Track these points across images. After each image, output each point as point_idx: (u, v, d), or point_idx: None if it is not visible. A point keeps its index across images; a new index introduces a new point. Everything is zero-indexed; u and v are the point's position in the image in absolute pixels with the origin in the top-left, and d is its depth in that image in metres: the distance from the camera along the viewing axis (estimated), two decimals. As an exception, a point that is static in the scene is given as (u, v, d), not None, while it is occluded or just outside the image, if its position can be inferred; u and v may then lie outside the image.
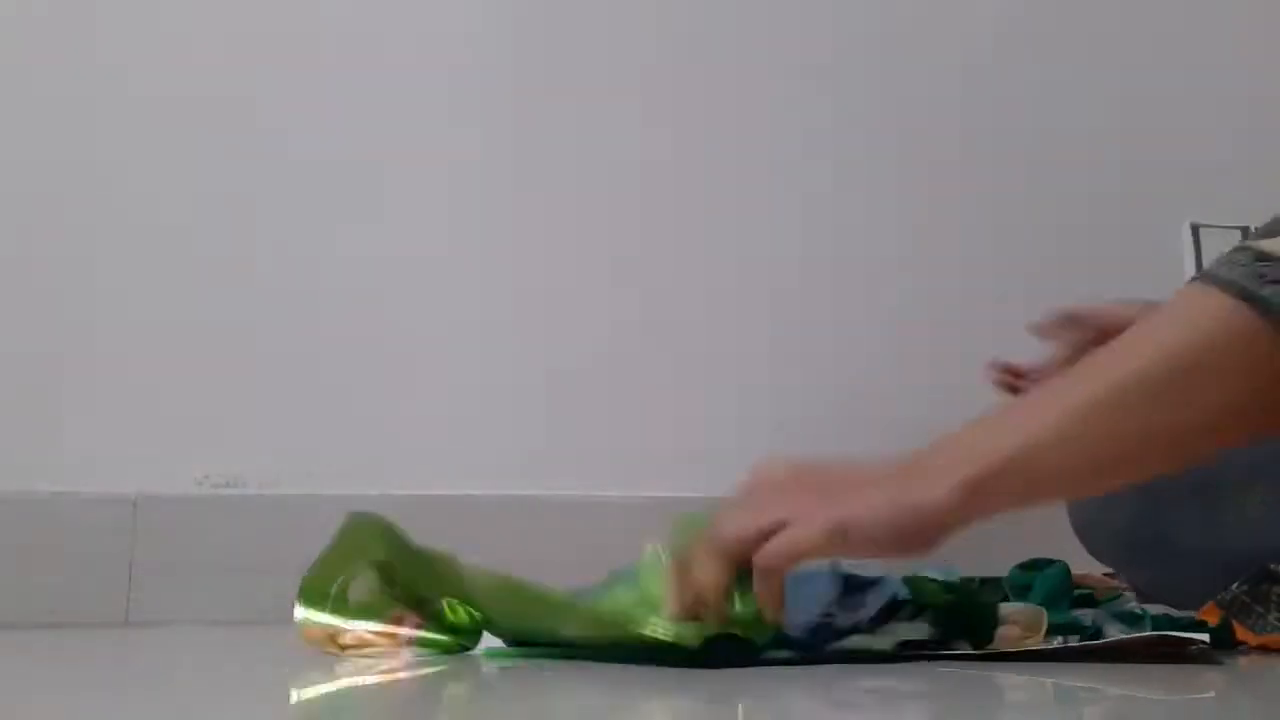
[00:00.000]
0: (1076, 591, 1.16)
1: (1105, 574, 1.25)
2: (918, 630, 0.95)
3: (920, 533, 0.83)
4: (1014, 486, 0.82)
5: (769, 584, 0.85)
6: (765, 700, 0.76)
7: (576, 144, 1.59)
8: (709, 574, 0.86)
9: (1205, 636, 0.92)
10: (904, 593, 0.96)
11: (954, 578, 1.00)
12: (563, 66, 1.60)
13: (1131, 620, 0.98)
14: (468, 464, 1.48)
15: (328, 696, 0.86)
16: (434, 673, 0.93)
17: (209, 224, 1.45)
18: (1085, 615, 1.00)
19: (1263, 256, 0.79)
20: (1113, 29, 1.83)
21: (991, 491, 0.82)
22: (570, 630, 0.94)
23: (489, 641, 1.06)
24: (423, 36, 1.55)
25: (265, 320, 1.46)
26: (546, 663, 1.00)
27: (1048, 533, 1.34)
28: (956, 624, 0.96)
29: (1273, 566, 0.99)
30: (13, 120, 1.41)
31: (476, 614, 0.97)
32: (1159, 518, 1.17)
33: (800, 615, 0.93)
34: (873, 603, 0.96)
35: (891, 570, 0.98)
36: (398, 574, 0.98)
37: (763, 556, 0.84)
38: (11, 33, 1.43)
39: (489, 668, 0.96)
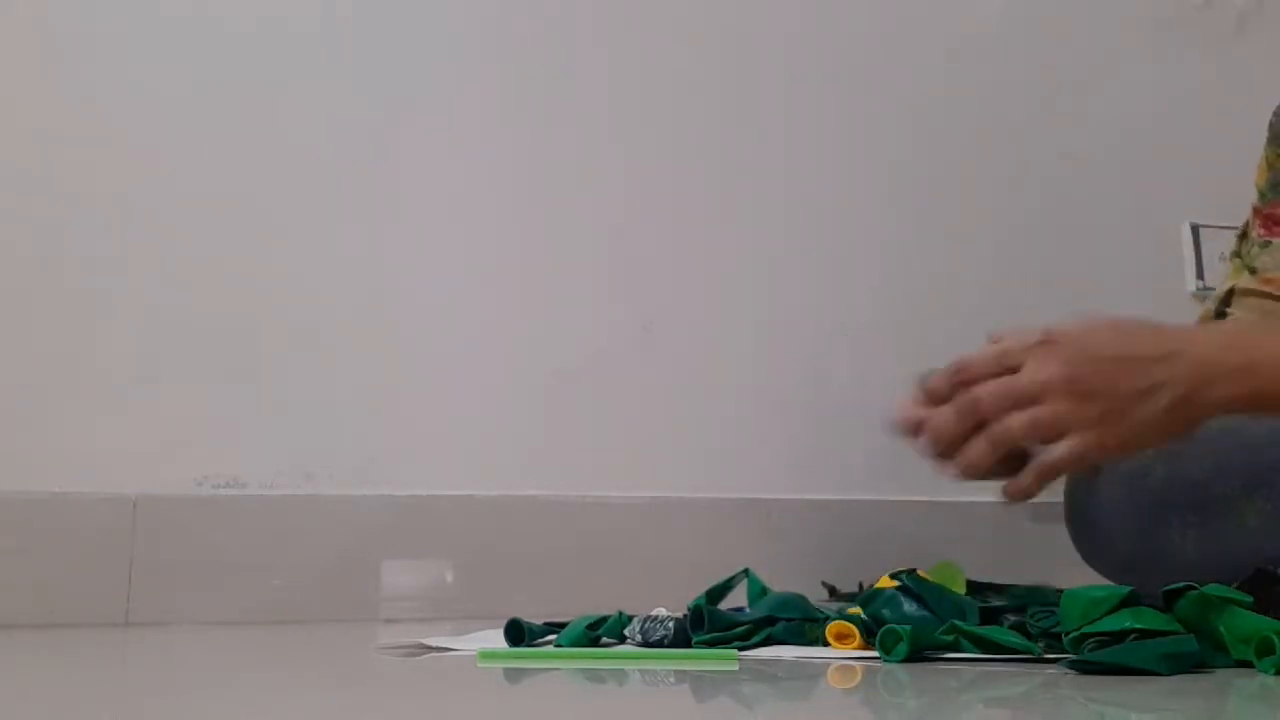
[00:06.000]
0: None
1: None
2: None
3: (1187, 434, 0.99)
4: None
5: (1045, 480, 1.01)
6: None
7: (576, 144, 1.58)
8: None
9: None
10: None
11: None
12: (563, 69, 1.60)
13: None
14: (468, 464, 1.48)
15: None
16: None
17: (209, 224, 1.45)
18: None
19: None
20: (1113, 28, 1.83)
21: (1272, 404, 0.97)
22: None
23: (488, 642, 1.06)
24: (426, 37, 1.55)
25: (265, 320, 1.45)
26: (544, 663, 1.00)
27: (1048, 548, 1.35)
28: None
29: (1271, 569, 0.99)
30: (12, 120, 1.41)
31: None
32: (1157, 531, 1.17)
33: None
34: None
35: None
36: None
37: (1053, 460, 0.99)
38: (13, 35, 1.43)
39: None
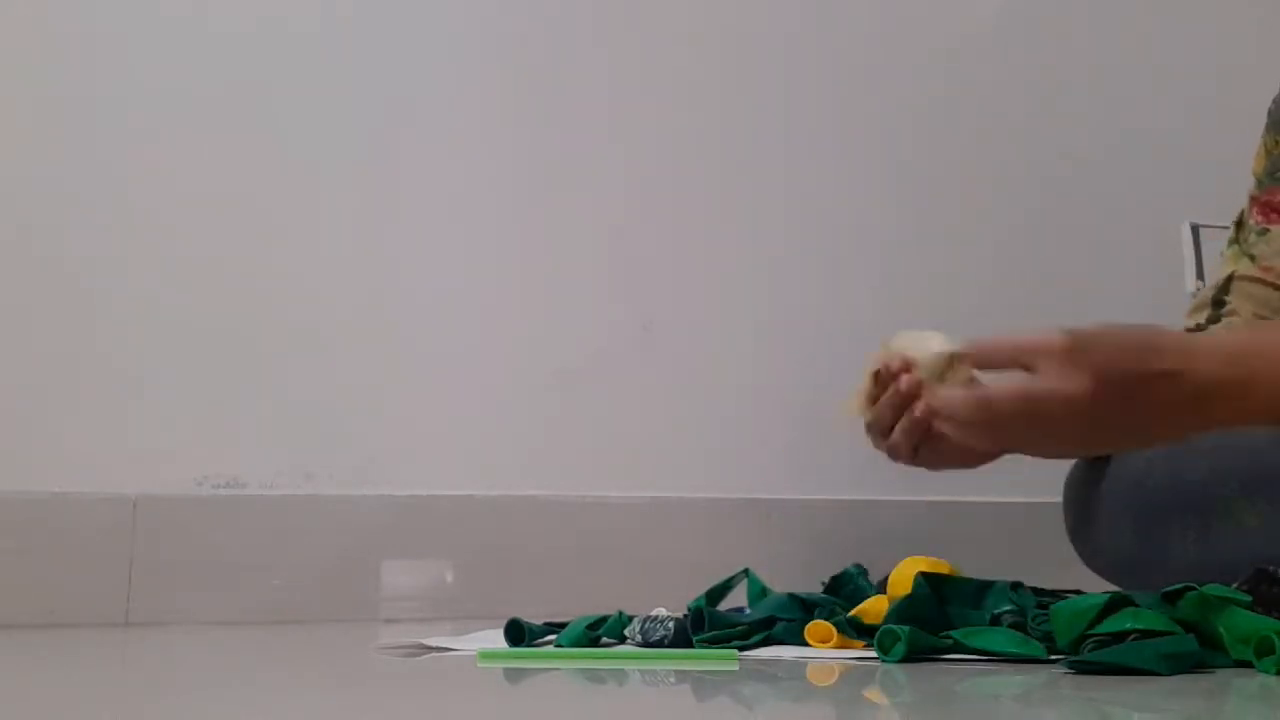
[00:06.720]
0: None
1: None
2: None
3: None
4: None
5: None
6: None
7: (576, 144, 1.59)
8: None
9: None
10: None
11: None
12: (563, 69, 1.60)
13: None
14: (468, 464, 1.48)
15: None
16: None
17: (210, 224, 1.45)
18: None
19: None
20: (1113, 28, 1.83)
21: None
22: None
23: (488, 642, 1.06)
24: (426, 37, 1.55)
25: (265, 320, 1.45)
26: (544, 663, 1.00)
27: (1048, 549, 1.34)
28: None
29: (1271, 569, 0.99)
30: (13, 120, 1.41)
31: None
32: (1157, 533, 1.17)
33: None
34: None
35: None
36: None
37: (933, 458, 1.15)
38: (15, 36, 1.43)
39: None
